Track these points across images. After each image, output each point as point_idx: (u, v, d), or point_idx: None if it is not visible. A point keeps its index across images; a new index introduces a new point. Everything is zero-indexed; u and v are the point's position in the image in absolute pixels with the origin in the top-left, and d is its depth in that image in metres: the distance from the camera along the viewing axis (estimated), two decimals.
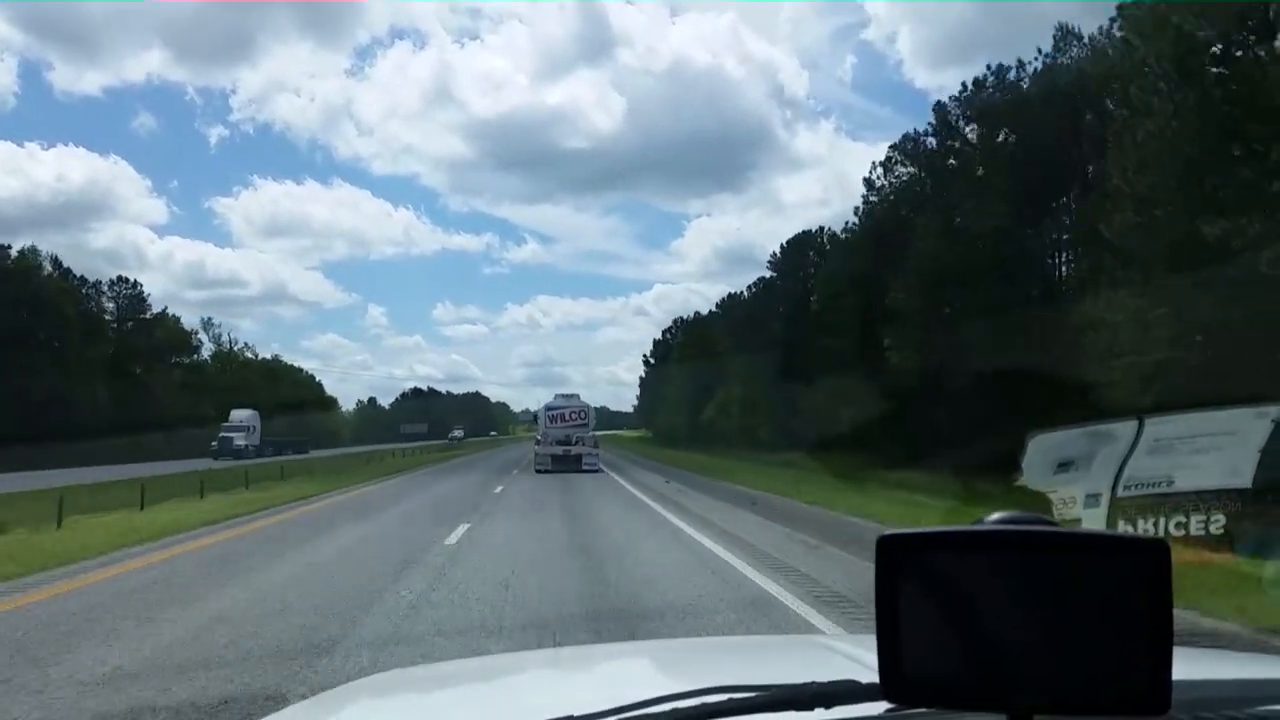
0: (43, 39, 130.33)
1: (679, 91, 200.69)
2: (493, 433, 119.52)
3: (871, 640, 0.68)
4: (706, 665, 1.74)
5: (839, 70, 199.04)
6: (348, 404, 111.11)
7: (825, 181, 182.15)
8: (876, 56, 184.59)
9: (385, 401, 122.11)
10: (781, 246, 51.10)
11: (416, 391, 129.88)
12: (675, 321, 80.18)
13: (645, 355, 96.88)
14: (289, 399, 61.60)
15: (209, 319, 64.55)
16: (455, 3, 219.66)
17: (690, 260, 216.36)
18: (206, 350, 63.41)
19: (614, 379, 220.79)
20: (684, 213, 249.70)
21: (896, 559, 0.69)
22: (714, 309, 58.43)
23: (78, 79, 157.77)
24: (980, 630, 0.69)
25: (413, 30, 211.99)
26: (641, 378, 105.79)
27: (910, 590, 0.69)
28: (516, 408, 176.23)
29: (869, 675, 0.93)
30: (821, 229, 48.43)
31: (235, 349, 66.09)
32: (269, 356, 71.87)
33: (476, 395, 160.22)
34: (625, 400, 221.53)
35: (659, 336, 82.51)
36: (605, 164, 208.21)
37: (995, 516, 0.75)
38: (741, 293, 59.12)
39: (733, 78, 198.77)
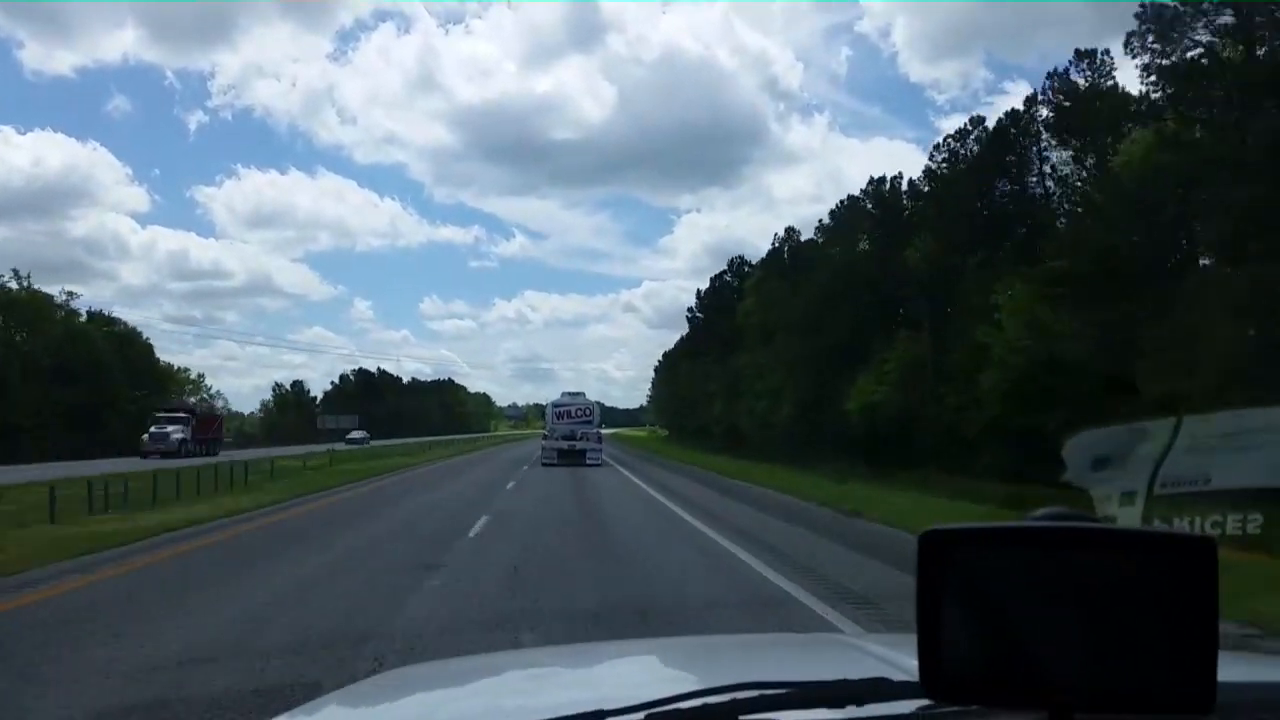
0: (11, 14, 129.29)
1: (670, 82, 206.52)
2: (457, 435, 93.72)
3: (899, 640, 0.77)
4: (733, 662, 1.82)
5: (834, 63, 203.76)
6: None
7: (818, 177, 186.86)
8: (871, 49, 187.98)
9: (319, 389, 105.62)
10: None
11: (366, 379, 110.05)
12: (711, 284, 67.21)
13: (669, 345, 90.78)
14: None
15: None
16: None
17: (680, 256, 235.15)
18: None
19: (603, 375, 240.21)
20: (674, 207, 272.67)
21: (939, 555, 0.73)
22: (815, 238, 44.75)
23: (48, 58, 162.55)
24: (1022, 627, 0.72)
25: (396, 13, 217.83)
26: (658, 364, 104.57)
27: (952, 586, 0.73)
28: (503, 403, 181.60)
29: (899, 674, 1.04)
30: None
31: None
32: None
33: (448, 384, 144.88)
34: (614, 397, 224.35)
35: (693, 304, 70.59)
36: (594, 156, 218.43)
37: (1040, 513, 0.78)
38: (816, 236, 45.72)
39: (725, 69, 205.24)
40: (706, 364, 57.38)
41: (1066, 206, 29.48)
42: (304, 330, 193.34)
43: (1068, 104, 28.47)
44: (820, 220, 44.17)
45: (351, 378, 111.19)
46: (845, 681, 1.01)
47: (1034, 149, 30.50)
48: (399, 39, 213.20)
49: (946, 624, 0.72)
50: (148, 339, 60.59)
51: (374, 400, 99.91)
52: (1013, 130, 30.73)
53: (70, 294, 53.74)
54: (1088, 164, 28.18)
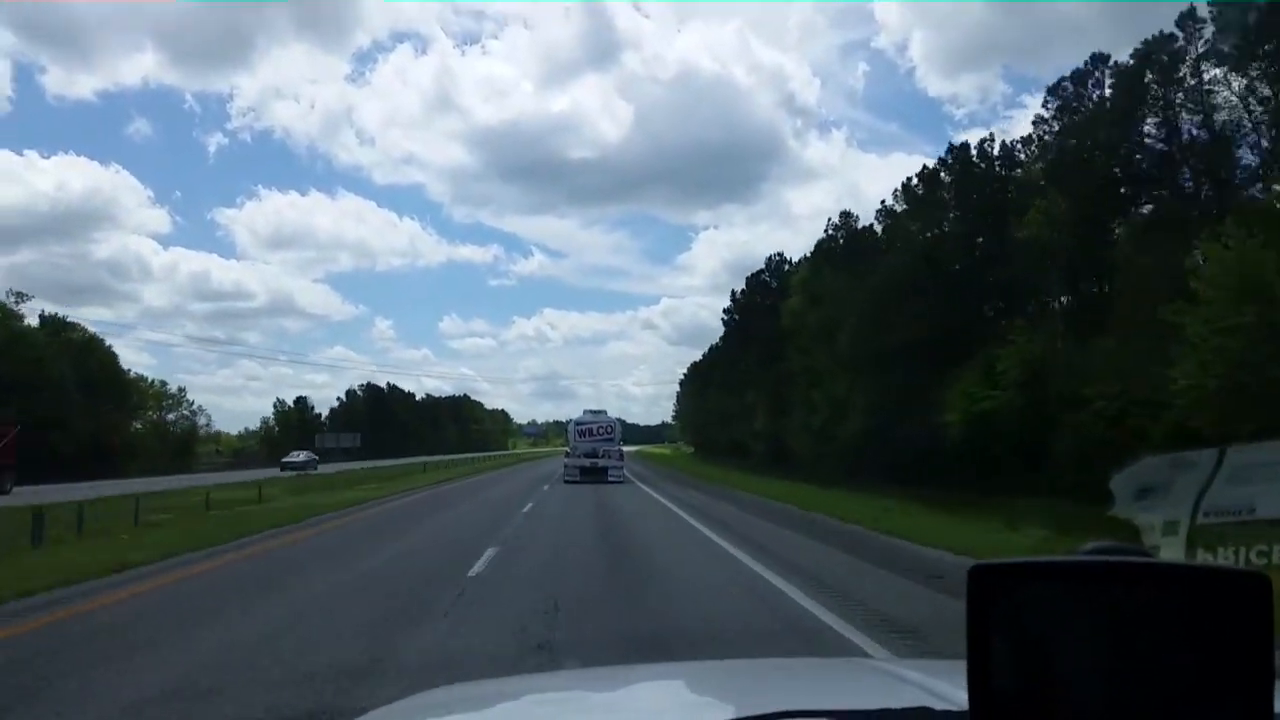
0: (33, 41, 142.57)
1: (686, 100, 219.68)
2: (469, 454, 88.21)
3: (936, 666, 0.83)
4: (766, 688, 1.89)
5: (851, 79, 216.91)
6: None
7: (837, 193, 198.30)
8: (888, 64, 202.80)
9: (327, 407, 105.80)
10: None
11: (376, 396, 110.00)
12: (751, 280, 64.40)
13: (704, 352, 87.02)
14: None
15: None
16: (458, 4, 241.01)
17: (698, 273, 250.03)
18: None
19: (622, 393, 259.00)
20: (691, 224, 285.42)
21: (988, 589, 0.78)
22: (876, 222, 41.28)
23: (70, 82, 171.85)
24: (1073, 663, 0.76)
25: (413, 34, 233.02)
26: (684, 377, 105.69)
27: (1002, 621, 0.77)
28: (522, 420, 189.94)
29: (939, 703, 1.09)
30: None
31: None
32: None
33: (464, 400, 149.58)
34: (634, 414, 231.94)
35: (728, 306, 67.26)
36: (611, 174, 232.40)
37: (1089, 546, 0.83)
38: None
39: (741, 86, 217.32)
40: (744, 373, 54.42)
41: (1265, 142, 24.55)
42: (325, 350, 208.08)
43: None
44: (882, 202, 40.53)
45: (360, 393, 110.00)
46: (888, 711, 1.06)
47: (1189, 81, 26.16)
48: (416, 60, 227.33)
49: (996, 658, 0.77)
50: (110, 346, 57.32)
51: (385, 417, 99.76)
52: (1164, 58, 26.38)
53: (20, 295, 50.28)
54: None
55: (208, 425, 73.77)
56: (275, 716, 4.74)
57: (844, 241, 43.92)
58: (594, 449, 34.83)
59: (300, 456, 53.98)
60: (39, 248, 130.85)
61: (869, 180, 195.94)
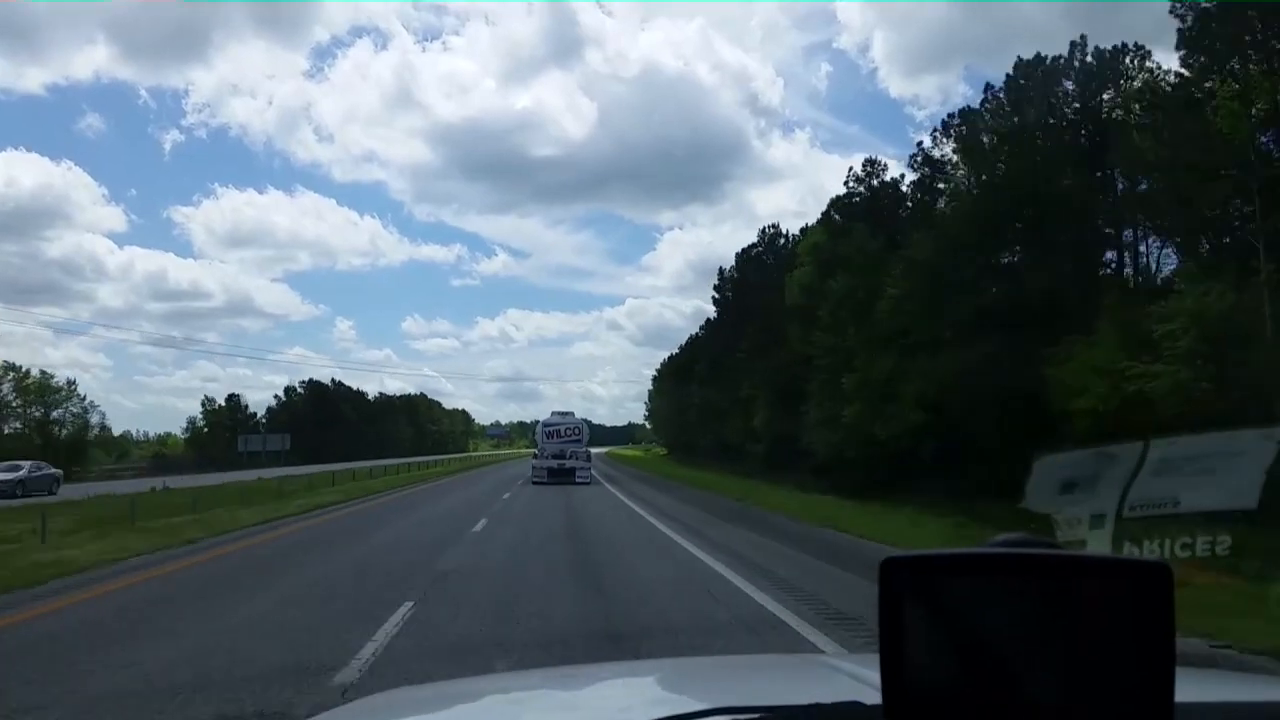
0: None
1: (650, 99, 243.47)
2: (420, 458, 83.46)
3: (873, 659, 0.88)
4: (710, 685, 2.15)
5: (814, 79, 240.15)
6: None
7: (800, 193, 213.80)
8: (850, 65, 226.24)
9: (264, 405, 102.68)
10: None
11: (319, 393, 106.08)
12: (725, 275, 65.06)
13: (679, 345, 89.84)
14: None
15: None
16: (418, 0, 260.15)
17: (663, 274, 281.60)
18: None
19: (588, 394, 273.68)
20: (656, 224, 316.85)
21: (900, 581, 0.87)
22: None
23: (18, 75, 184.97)
24: (984, 653, 0.85)
25: (373, 29, 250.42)
26: (657, 374, 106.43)
27: (913, 612, 0.86)
28: (486, 420, 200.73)
29: (872, 694, 1.14)
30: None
31: None
32: None
33: (420, 400, 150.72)
34: (600, 415, 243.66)
35: (717, 284, 66.86)
36: (576, 173, 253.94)
37: (1000, 538, 0.93)
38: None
39: (705, 85, 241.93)
40: (737, 363, 52.02)
41: None
42: (285, 351, 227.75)
43: None
44: (919, 144, 37.24)
45: (301, 391, 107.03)
46: (817, 706, 1.21)
47: None
48: (376, 55, 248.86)
49: (909, 650, 0.86)
50: None
51: (329, 417, 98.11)
52: None
53: None
54: None
55: (101, 424, 71.79)
56: None
57: (871, 192, 41.59)
58: (562, 450, 38.36)
59: (17, 473, 36.33)
60: None
61: (833, 181, 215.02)
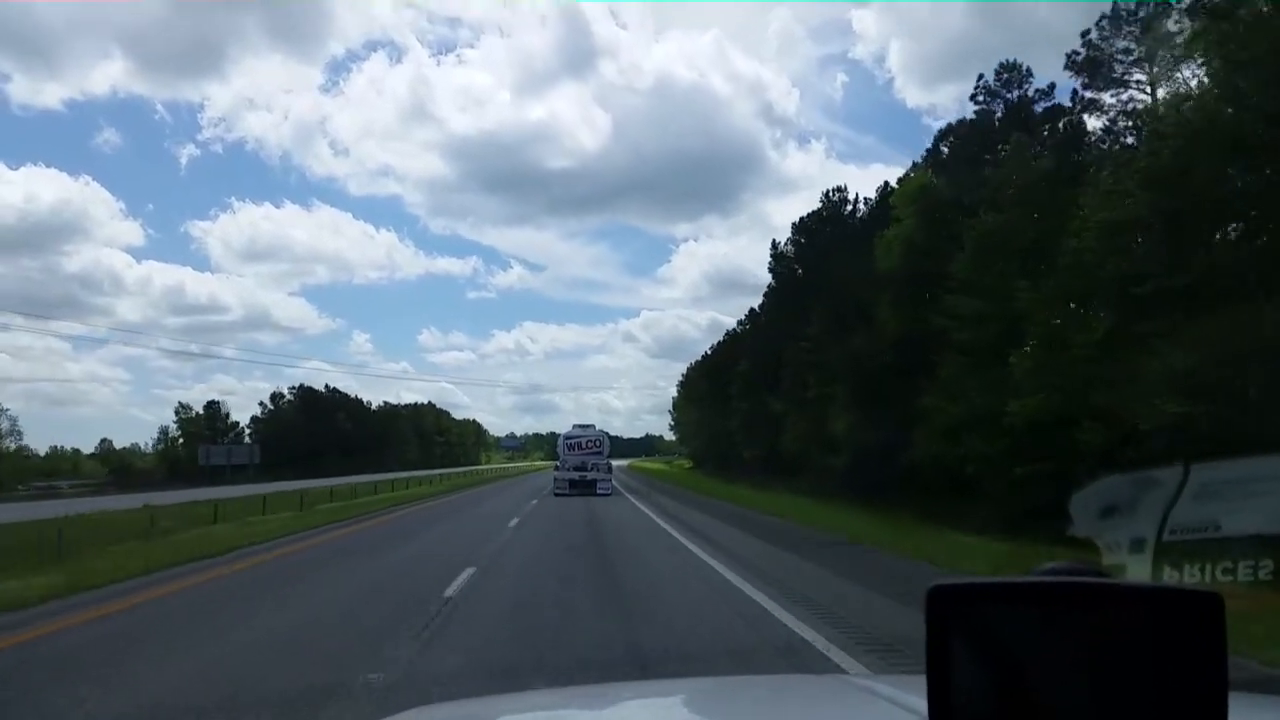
0: None
1: (665, 111, 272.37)
2: (420, 471, 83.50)
3: (910, 681, 1.09)
4: (745, 707, 2.34)
5: (829, 89, 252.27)
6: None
7: (816, 204, 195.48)
8: (866, 75, 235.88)
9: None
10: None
11: (311, 400, 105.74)
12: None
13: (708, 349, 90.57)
14: None
15: None
16: (433, 12, 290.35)
17: (678, 286, 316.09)
18: None
19: (604, 406, 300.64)
20: (671, 236, 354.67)
21: (947, 609, 0.95)
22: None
23: (37, 91, 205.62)
24: (1032, 681, 0.93)
25: (388, 43, 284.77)
26: (681, 382, 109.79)
27: (961, 641, 0.95)
28: (502, 432, 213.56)
29: (910, 717, 1.34)
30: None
31: None
32: None
33: (427, 409, 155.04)
34: (616, 427, 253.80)
35: (773, 254, 62.57)
36: (591, 186, 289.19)
37: (1047, 566, 1.04)
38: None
39: (720, 97, 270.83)
40: (802, 354, 47.30)
41: None
42: (302, 364, 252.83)
43: None
44: (1084, 35, 31.63)
45: (290, 397, 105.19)
46: None
47: None
48: (391, 69, 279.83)
49: (956, 678, 0.94)
50: None
51: (323, 428, 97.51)
52: None
53: None
54: None
55: (15, 436, 73.39)
56: None
57: (1009, 107, 37.59)
58: (583, 462, 44.68)
59: None
60: (8, 261, 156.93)
61: (849, 190, 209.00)
